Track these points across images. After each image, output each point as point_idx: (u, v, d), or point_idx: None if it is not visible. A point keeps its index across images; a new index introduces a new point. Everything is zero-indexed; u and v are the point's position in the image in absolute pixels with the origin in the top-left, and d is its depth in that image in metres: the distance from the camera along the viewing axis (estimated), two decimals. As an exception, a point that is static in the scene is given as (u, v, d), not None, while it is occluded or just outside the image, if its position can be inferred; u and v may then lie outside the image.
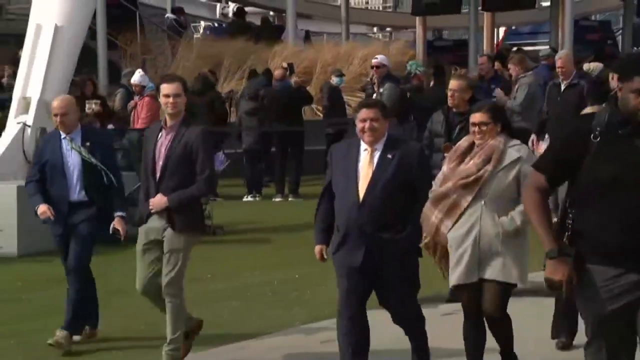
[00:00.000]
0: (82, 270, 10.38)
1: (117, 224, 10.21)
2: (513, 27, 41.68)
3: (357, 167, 7.84)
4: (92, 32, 22.59)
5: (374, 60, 21.06)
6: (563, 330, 9.60)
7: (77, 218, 10.32)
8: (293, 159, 21.01)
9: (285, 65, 22.73)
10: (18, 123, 15.88)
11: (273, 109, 20.80)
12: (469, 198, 7.67)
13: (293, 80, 21.68)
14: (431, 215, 7.81)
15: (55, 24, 16.20)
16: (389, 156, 7.79)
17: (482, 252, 7.63)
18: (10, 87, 19.65)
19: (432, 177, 8.20)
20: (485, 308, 7.79)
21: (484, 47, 31.76)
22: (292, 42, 28.18)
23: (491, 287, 7.69)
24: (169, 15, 32.04)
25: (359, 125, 7.79)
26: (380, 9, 65.53)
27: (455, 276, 7.79)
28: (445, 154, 9.98)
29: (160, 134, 9.17)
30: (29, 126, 15.77)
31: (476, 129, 7.81)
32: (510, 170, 7.69)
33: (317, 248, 8.14)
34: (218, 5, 44.41)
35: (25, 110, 15.97)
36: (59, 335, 10.08)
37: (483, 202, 7.67)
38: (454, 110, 11.34)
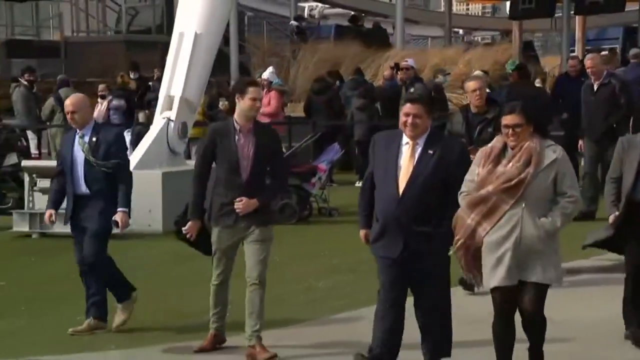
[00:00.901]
0: (99, 264, 9.78)
1: (117, 216, 9.67)
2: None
3: (397, 160, 7.16)
4: (225, 39, 22.68)
5: (402, 63, 21.01)
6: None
7: (86, 212, 9.84)
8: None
9: (392, 65, 22.64)
10: (163, 118, 16.08)
11: (382, 104, 20.80)
12: (511, 201, 6.82)
13: (399, 78, 21.55)
14: (467, 218, 6.94)
15: (195, 32, 16.34)
16: (430, 152, 7.12)
17: (522, 254, 6.81)
18: (156, 89, 19.96)
19: None
20: (525, 309, 6.98)
21: (576, 49, 30.98)
22: (399, 45, 28.04)
23: (531, 289, 6.89)
24: (292, 22, 32.08)
25: (402, 118, 7.13)
26: (480, 14, 64.84)
27: (496, 278, 6.90)
28: (471, 156, 9.27)
29: (236, 135, 8.57)
30: (172, 121, 15.97)
31: (510, 131, 6.90)
32: (550, 172, 6.88)
33: (362, 232, 7.62)
34: (306, 6, 43.73)
35: (169, 107, 16.16)
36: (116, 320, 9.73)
37: (523, 205, 6.81)
38: (474, 110, 10.33)
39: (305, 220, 15.67)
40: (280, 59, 27.18)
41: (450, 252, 7.24)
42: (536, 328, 7.06)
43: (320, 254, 13.44)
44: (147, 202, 14.85)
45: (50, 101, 21.80)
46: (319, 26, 35.55)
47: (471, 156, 9.30)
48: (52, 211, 10.01)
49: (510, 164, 6.89)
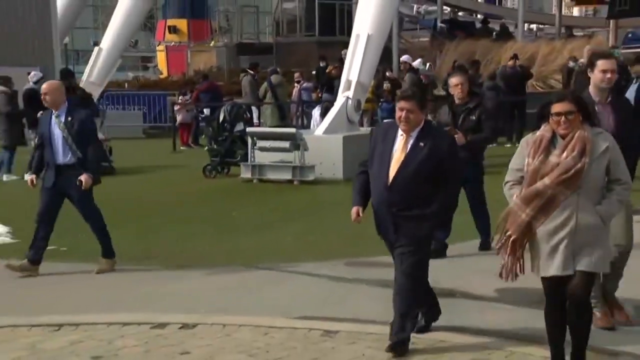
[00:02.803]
0: (95, 221, 9.16)
1: (82, 176, 8.79)
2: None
3: (392, 151, 5.92)
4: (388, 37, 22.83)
5: (401, 59, 20.69)
6: None
7: (67, 180, 8.95)
8: (519, 118, 20.48)
9: (512, 55, 22.31)
10: (343, 96, 16.35)
11: (506, 84, 20.59)
12: (568, 192, 5.33)
13: (517, 64, 21.28)
14: (521, 213, 5.37)
15: (368, 34, 16.49)
16: (422, 144, 5.85)
17: (577, 243, 5.35)
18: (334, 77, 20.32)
19: (461, 165, 6.21)
20: (575, 295, 5.44)
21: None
22: (520, 39, 27.61)
23: (583, 276, 5.39)
24: (440, 24, 31.79)
25: (397, 113, 5.95)
26: (583, 15, 62.64)
27: (552, 268, 5.36)
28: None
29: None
30: (350, 98, 16.14)
31: (562, 118, 5.37)
32: (603, 160, 5.40)
33: (354, 209, 6.19)
34: (415, 5, 42.58)
35: (348, 89, 16.31)
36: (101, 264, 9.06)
37: (578, 194, 5.34)
38: (458, 101, 9.11)
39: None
40: (428, 51, 27.08)
41: (494, 245, 5.76)
42: (581, 314, 5.53)
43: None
44: (332, 158, 15.22)
45: (265, 85, 22.36)
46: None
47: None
48: (34, 176, 9.30)
49: (565, 154, 5.36)
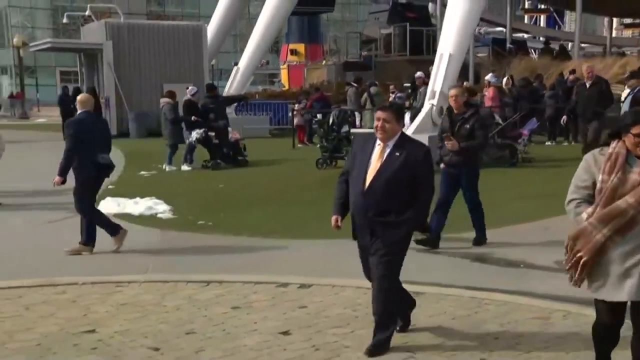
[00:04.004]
0: (82, 210, 8.51)
1: (56, 178, 8.25)
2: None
3: (369, 159, 5.02)
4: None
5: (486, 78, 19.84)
6: None
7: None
8: (574, 122, 19.77)
9: (570, 70, 21.55)
10: (429, 104, 16.22)
11: (564, 93, 19.93)
12: None
13: (572, 77, 20.56)
14: (597, 233, 4.01)
15: (450, 53, 16.35)
16: (397, 153, 4.95)
17: None
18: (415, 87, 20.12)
19: (433, 174, 5.08)
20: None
21: None
22: (576, 57, 26.70)
23: None
24: (510, 45, 31.02)
25: (375, 122, 5.09)
26: (630, 36, 60.22)
27: (624, 292, 4.03)
28: (446, 143, 8.19)
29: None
30: (434, 105, 16.02)
31: None
32: None
33: (333, 218, 5.22)
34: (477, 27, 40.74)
35: (433, 97, 16.20)
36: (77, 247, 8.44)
37: None
38: (455, 111, 8.35)
39: (514, 165, 15.43)
40: (498, 67, 26.41)
41: (566, 266, 4.27)
42: None
43: (523, 184, 13.23)
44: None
45: (365, 95, 22.34)
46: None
47: (447, 143, 8.19)
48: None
49: None
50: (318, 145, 17.36)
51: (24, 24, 68.15)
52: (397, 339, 5.23)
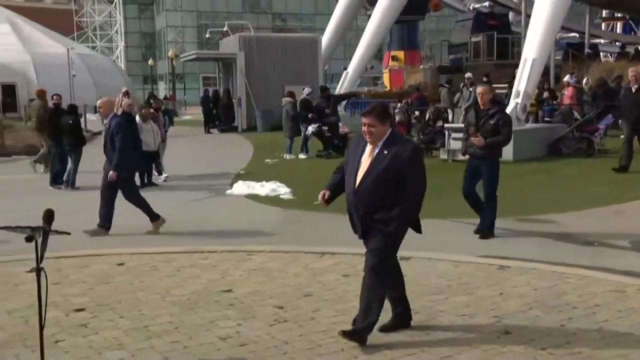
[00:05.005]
0: (129, 198, 8.30)
1: (111, 174, 8.05)
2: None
3: (360, 159, 4.40)
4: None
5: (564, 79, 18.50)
6: None
7: (107, 169, 8.17)
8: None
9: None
10: (514, 102, 15.66)
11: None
12: None
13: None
14: None
15: (533, 58, 15.73)
16: (385, 151, 4.29)
17: None
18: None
19: (424, 170, 4.35)
20: None
21: None
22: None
23: None
24: (588, 50, 29.54)
25: (363, 127, 4.40)
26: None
27: None
28: (473, 139, 7.61)
29: None
30: (519, 103, 15.49)
31: None
32: None
33: (322, 192, 4.64)
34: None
35: (518, 96, 15.63)
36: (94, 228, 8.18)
37: None
38: (482, 107, 7.76)
39: (591, 156, 14.74)
40: (576, 69, 25.16)
41: None
42: None
43: (599, 173, 12.60)
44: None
45: (457, 95, 21.83)
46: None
47: (473, 139, 7.58)
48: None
49: None
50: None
51: (176, 39, 71.01)
52: (485, 306, 5.10)
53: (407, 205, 4.27)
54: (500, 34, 31.27)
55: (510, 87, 20.92)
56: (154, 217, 8.38)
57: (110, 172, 8.06)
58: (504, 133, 7.68)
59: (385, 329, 4.53)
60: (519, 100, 15.59)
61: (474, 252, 6.93)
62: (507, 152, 14.64)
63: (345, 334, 4.31)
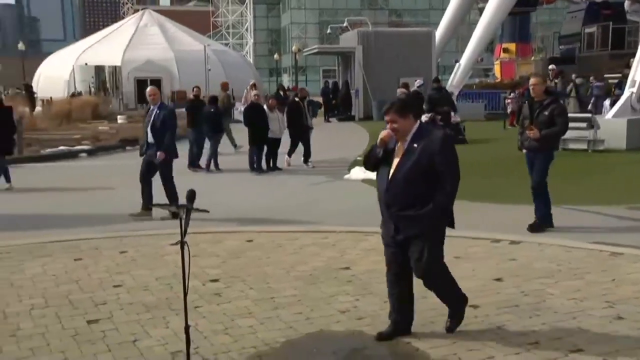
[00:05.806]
0: (166, 183, 8.25)
1: (159, 154, 8.09)
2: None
3: (392, 155, 3.94)
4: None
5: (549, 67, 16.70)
6: None
7: (152, 153, 8.21)
8: None
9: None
10: (629, 91, 14.71)
11: None
12: None
13: None
14: None
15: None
16: (415, 145, 3.83)
17: None
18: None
19: (456, 159, 3.88)
20: None
21: None
22: None
23: None
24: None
25: (386, 126, 3.96)
26: None
27: None
28: (528, 132, 7.01)
29: None
30: (634, 93, 14.55)
31: None
32: None
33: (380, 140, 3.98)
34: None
35: (633, 86, 14.71)
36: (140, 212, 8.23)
37: None
38: (535, 99, 7.14)
39: None
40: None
41: None
42: None
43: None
44: (618, 135, 13.77)
45: (571, 85, 20.63)
46: None
47: (529, 132, 7.00)
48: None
49: None
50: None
51: (299, 35, 72.29)
52: (597, 291, 4.82)
53: (441, 201, 3.85)
54: (616, 24, 29.15)
55: (624, 76, 19.59)
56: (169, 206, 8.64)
57: (159, 153, 8.17)
58: (559, 123, 7.11)
59: (382, 336, 4.13)
60: (635, 89, 14.61)
61: (584, 238, 6.59)
62: (620, 141, 13.81)
63: (448, 330, 4.17)
